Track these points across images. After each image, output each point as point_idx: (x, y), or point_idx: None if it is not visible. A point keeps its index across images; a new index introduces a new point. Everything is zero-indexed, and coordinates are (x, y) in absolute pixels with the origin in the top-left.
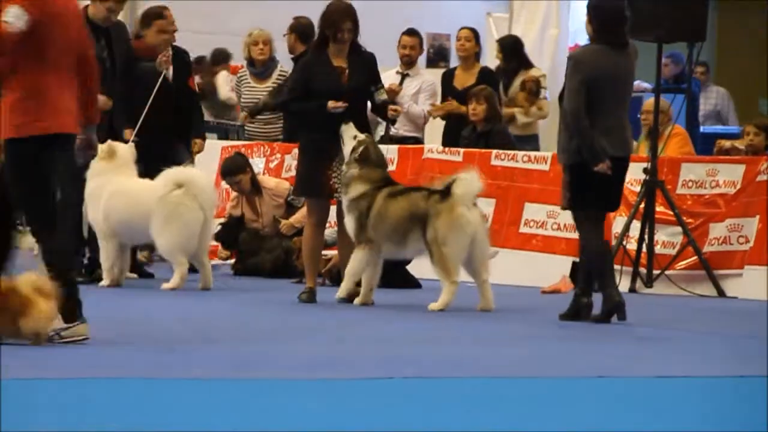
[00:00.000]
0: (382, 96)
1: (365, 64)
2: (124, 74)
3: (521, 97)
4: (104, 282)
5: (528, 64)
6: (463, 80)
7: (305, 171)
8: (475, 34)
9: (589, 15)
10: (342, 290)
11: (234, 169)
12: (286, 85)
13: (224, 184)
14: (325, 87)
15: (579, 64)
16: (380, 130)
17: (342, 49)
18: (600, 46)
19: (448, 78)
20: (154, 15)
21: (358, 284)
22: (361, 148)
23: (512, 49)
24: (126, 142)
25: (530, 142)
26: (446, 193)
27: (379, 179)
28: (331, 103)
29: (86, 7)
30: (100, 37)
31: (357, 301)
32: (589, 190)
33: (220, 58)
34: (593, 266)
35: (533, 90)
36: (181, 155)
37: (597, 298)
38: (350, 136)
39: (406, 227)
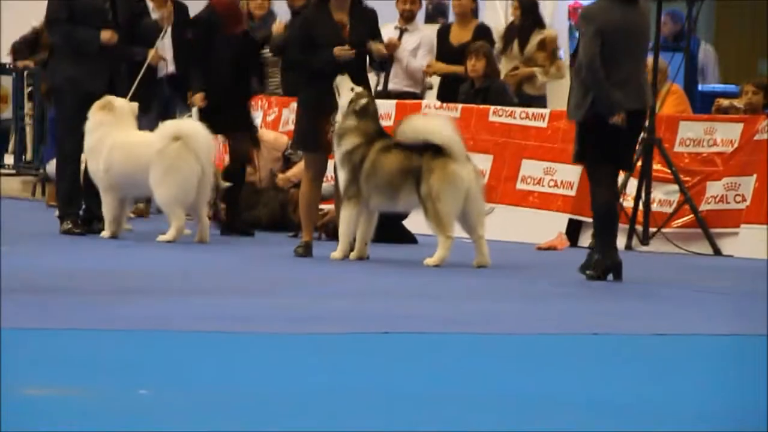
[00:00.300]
0: (380, 51)
1: (367, 19)
2: (128, 31)
3: (541, 57)
4: (105, 233)
5: (542, 24)
6: (460, 37)
7: (304, 125)
8: None
9: None
10: (338, 251)
11: None
12: (282, 40)
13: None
14: (327, 41)
15: (591, 17)
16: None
17: (343, 4)
18: (610, 1)
19: (443, 34)
20: None
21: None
22: (362, 101)
23: (530, 6)
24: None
25: (541, 102)
26: (438, 149)
27: (373, 132)
28: (337, 49)
29: None
30: None
31: (351, 255)
32: (602, 146)
33: None
34: (597, 222)
35: (554, 50)
36: (179, 108)
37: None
38: (347, 87)
39: (399, 181)
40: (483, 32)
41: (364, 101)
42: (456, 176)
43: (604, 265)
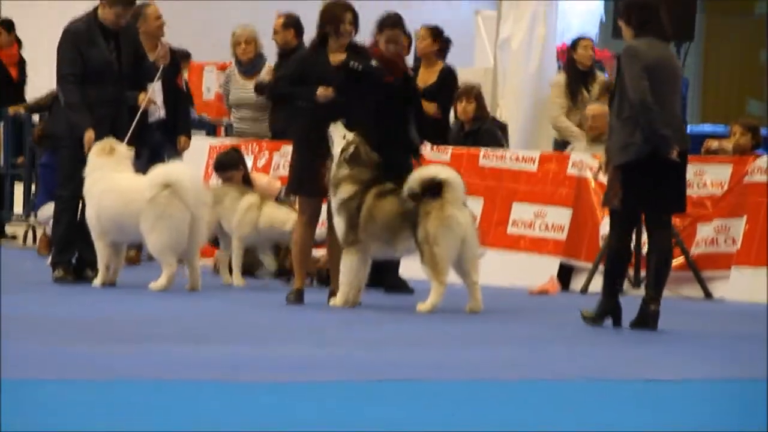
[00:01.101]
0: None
1: (363, 60)
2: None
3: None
4: (97, 281)
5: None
6: (425, 78)
7: (299, 168)
8: (433, 33)
9: (626, 14)
10: (339, 299)
11: (227, 164)
12: (267, 80)
13: (212, 182)
14: (318, 80)
15: (636, 54)
16: None
17: (342, 44)
18: (648, 38)
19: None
20: (145, 4)
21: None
22: (351, 148)
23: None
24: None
25: None
26: (436, 193)
27: (368, 179)
28: (320, 90)
29: (95, 8)
30: (109, 39)
31: (336, 302)
32: (648, 188)
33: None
34: (609, 265)
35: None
36: (169, 152)
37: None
38: (339, 135)
39: (396, 226)
40: (447, 75)
41: (353, 148)
42: (453, 220)
43: (603, 308)
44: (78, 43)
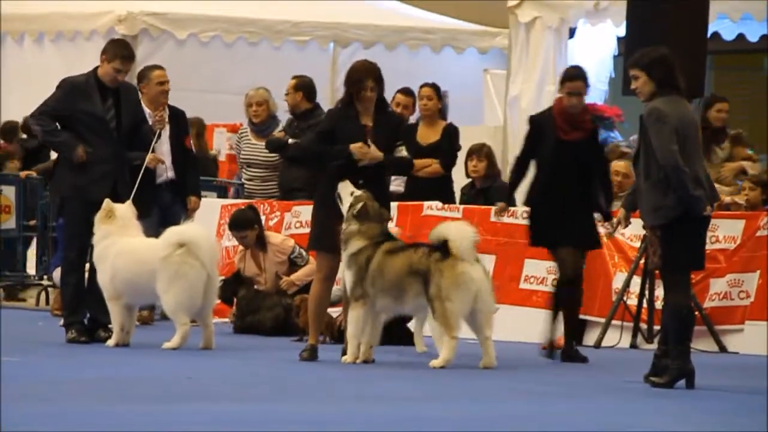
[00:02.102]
0: (401, 154)
1: (390, 124)
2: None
3: (739, 150)
4: (111, 342)
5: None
6: (427, 137)
7: (317, 224)
8: (437, 91)
9: (648, 68)
10: (349, 355)
11: (242, 223)
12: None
13: (225, 242)
14: (348, 139)
15: (662, 116)
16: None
17: (368, 107)
18: (668, 96)
19: (410, 133)
20: (151, 68)
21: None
22: (359, 205)
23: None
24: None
25: None
26: (447, 250)
27: (377, 234)
28: (354, 146)
29: (96, 68)
30: (107, 97)
31: (358, 359)
32: (684, 248)
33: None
34: (675, 326)
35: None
36: (179, 213)
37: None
38: (347, 192)
39: (406, 283)
40: (450, 133)
41: (360, 205)
42: (466, 276)
43: (677, 371)
44: (72, 93)
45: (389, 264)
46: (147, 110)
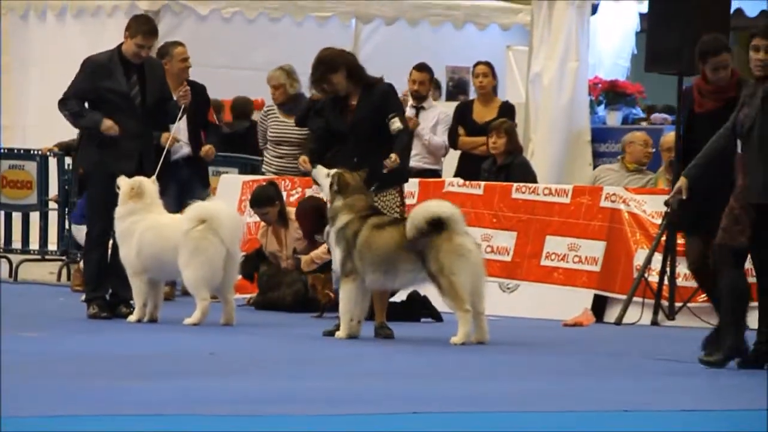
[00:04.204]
0: (394, 125)
1: (375, 98)
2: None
3: None
4: (132, 317)
5: None
6: (483, 114)
7: None
8: (491, 68)
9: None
10: (342, 331)
11: (263, 200)
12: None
13: (246, 218)
14: (333, 127)
15: (753, 83)
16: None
17: (355, 89)
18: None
19: (465, 111)
20: (173, 44)
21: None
22: (336, 178)
23: None
24: None
25: None
26: (439, 226)
27: (364, 208)
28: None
29: (120, 44)
30: (131, 73)
31: (342, 334)
32: None
33: None
34: (736, 303)
35: None
36: (197, 188)
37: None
38: (323, 176)
39: (398, 258)
40: (507, 110)
41: (338, 178)
42: (465, 248)
43: (732, 350)
44: (95, 73)
45: (378, 239)
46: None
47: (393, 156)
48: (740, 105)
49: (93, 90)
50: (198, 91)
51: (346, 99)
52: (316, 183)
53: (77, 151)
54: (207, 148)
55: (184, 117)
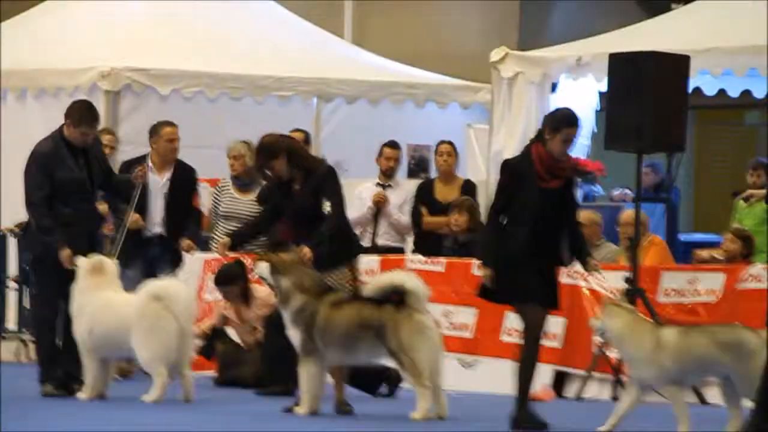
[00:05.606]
0: (326, 209)
1: (315, 182)
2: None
3: None
4: (83, 395)
5: None
6: (445, 193)
7: None
8: (454, 147)
9: None
10: (305, 407)
11: (228, 278)
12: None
13: (207, 295)
14: (284, 210)
15: None
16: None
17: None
18: None
19: (427, 190)
20: (162, 124)
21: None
22: (272, 262)
23: None
24: None
25: None
26: (401, 300)
27: (314, 285)
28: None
29: (61, 127)
30: (78, 158)
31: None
32: None
33: None
34: None
35: None
36: (165, 267)
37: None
38: (265, 270)
39: (357, 335)
40: (470, 189)
41: (273, 262)
42: (424, 326)
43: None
44: (46, 164)
45: (337, 316)
46: (151, 164)
47: (305, 249)
48: None
49: (48, 183)
50: (185, 173)
51: (290, 183)
52: (263, 279)
53: (24, 234)
54: (187, 244)
55: (163, 197)
